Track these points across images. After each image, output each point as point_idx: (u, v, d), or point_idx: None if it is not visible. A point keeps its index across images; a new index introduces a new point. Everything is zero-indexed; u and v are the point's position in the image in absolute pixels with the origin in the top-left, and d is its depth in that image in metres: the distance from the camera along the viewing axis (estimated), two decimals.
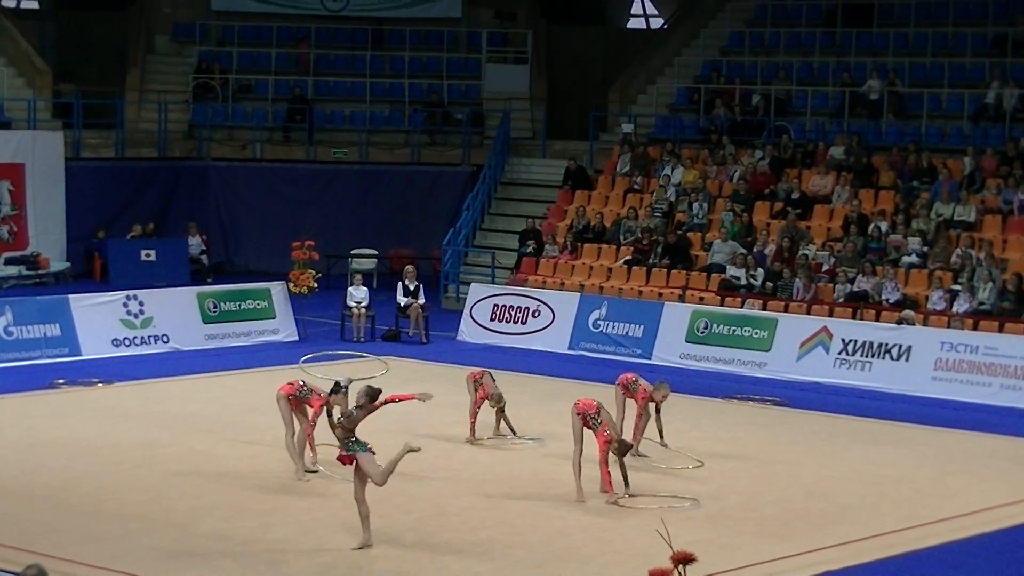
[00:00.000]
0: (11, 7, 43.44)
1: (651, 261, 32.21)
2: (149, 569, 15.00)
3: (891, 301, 28.62)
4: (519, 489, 18.56)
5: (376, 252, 38.17)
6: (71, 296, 28.06)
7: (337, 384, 18.46)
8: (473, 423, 21.13)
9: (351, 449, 16.06)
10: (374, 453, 16.14)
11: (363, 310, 30.37)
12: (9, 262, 35.78)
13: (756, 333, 27.81)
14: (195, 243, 37.60)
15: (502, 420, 21.11)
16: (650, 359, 27.73)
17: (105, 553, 15.43)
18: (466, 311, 30.99)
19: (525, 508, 17.84)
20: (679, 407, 21.18)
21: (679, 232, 32.73)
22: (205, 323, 29.05)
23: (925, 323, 27.60)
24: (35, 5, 45.68)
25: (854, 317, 28.39)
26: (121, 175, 38.36)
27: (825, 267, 30.06)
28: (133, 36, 42.46)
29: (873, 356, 26.65)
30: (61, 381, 25.00)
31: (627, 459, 18.32)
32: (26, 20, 42.69)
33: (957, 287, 28.33)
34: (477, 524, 17.17)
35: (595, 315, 29.43)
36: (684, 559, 11.02)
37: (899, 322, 27.22)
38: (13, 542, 15.70)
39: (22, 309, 26.95)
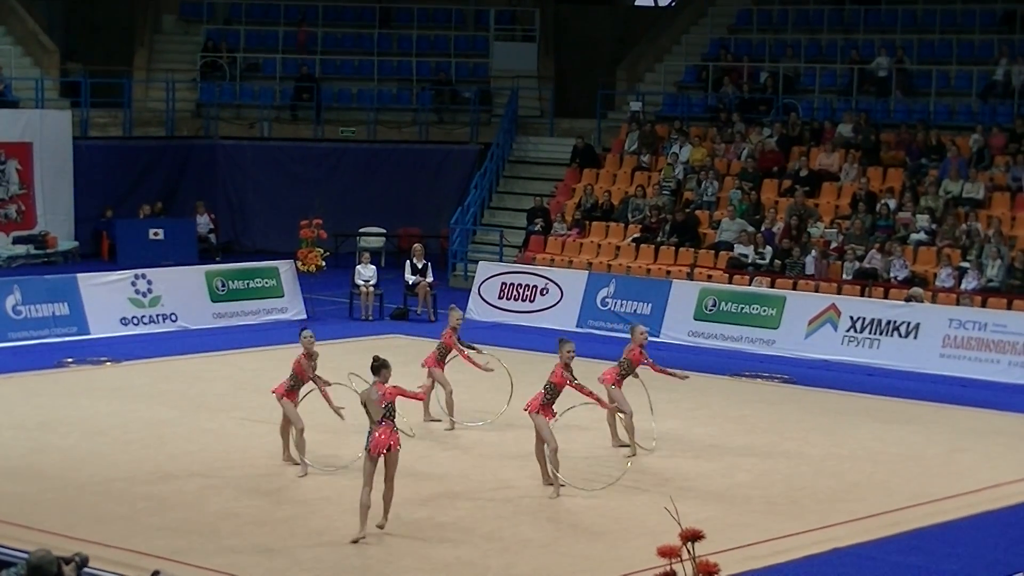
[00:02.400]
0: None
1: (659, 239, 32.18)
2: (158, 548, 15.02)
3: (899, 278, 28.59)
4: (525, 469, 18.55)
5: (384, 231, 38.15)
6: (79, 275, 28.08)
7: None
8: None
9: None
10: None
11: (371, 288, 30.37)
12: (17, 241, 35.80)
13: (764, 311, 27.80)
14: (203, 222, 37.62)
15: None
16: (658, 337, 27.71)
17: (114, 532, 15.46)
18: (474, 289, 30.99)
19: (532, 487, 17.85)
20: (687, 385, 21.15)
21: (687, 210, 32.70)
22: (213, 302, 29.07)
23: (933, 300, 27.57)
24: None
25: (862, 295, 28.38)
26: (129, 154, 38.37)
27: (833, 245, 30.02)
28: (140, 15, 42.42)
29: (881, 333, 26.63)
30: (70, 360, 25.04)
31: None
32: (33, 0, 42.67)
33: (965, 264, 28.29)
34: (485, 503, 17.19)
35: (603, 293, 29.42)
36: (693, 536, 10.98)
37: (908, 299, 27.19)
38: (22, 521, 15.74)
39: (30, 288, 26.97)
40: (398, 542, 15.58)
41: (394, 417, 15.83)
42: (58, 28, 42.79)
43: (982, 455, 20.18)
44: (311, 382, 18.59)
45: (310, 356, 18.65)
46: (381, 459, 15.61)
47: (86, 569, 10.80)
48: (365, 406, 15.89)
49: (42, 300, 26.91)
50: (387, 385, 15.88)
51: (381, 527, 15.77)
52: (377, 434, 15.63)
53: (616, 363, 19.79)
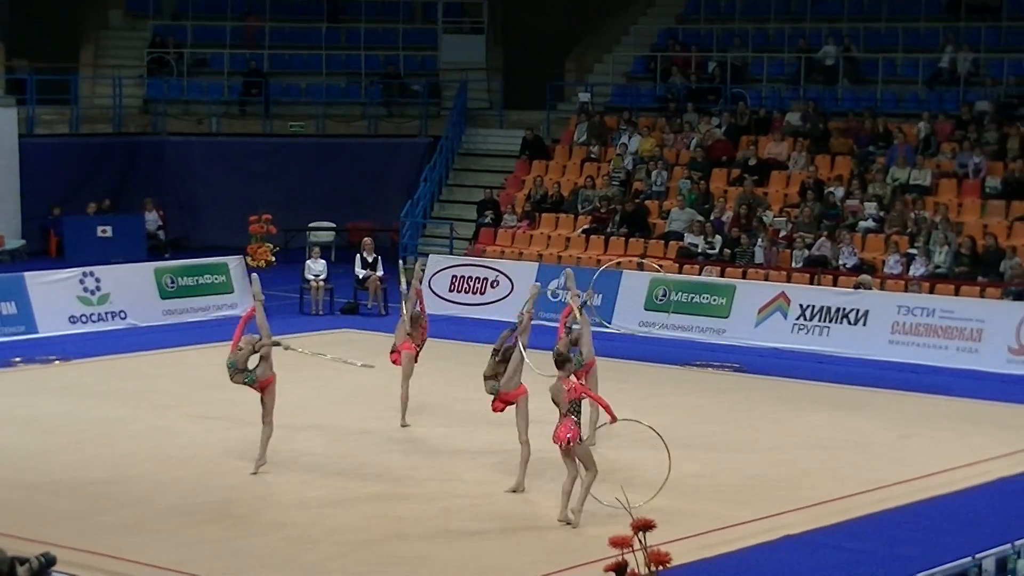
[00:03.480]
0: None
1: (609, 230, 32.23)
2: (109, 546, 14.97)
3: (848, 266, 28.73)
4: (474, 462, 18.57)
5: (334, 225, 38.05)
6: (27, 273, 27.92)
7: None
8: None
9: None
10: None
11: (321, 283, 30.32)
12: None
13: (714, 300, 27.89)
14: (152, 219, 37.43)
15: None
16: (609, 327, 27.75)
17: (65, 531, 15.38)
18: (425, 282, 30.92)
19: (485, 477, 17.86)
20: (639, 375, 21.25)
21: (637, 200, 32.74)
22: (163, 299, 28.95)
23: (882, 287, 27.72)
24: None
25: (812, 283, 28.51)
26: (76, 151, 38.12)
27: (783, 233, 30.13)
28: (86, 11, 42.16)
29: (831, 321, 26.76)
30: (18, 359, 24.89)
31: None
32: None
33: (913, 251, 28.45)
34: (437, 494, 17.19)
35: (554, 284, 29.42)
36: (644, 526, 11.03)
37: (856, 286, 27.33)
38: None
39: None
40: (349, 537, 15.57)
41: (579, 413, 15.88)
42: (2, 24, 42.47)
43: (931, 441, 20.33)
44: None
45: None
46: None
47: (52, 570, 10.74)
48: (554, 400, 16.03)
49: None
50: (572, 381, 15.99)
51: (568, 522, 15.85)
52: (559, 427, 15.78)
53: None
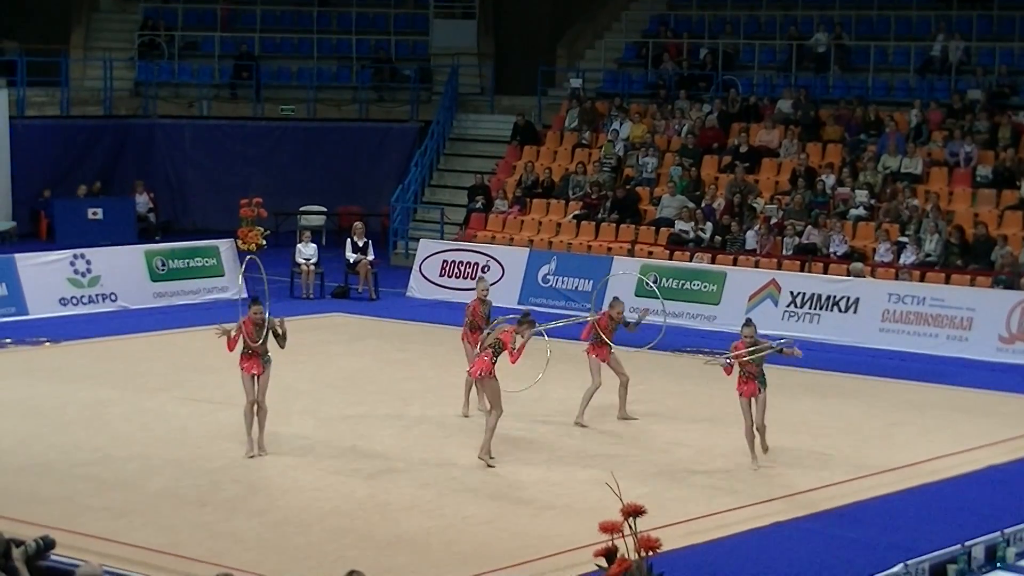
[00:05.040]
0: None
1: (600, 216, 32.23)
2: (98, 529, 14.96)
3: (839, 254, 28.75)
4: (466, 446, 18.58)
5: (325, 209, 38.05)
6: (17, 255, 27.89)
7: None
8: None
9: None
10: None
11: (312, 267, 30.32)
12: None
13: (705, 287, 27.91)
14: (142, 201, 37.37)
15: None
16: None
17: (54, 513, 15.37)
18: (415, 267, 30.98)
19: (474, 463, 17.86)
20: (630, 361, 21.18)
21: (627, 187, 32.74)
22: (153, 281, 28.95)
23: (872, 275, 27.74)
24: None
25: (802, 270, 28.53)
26: (67, 134, 38.07)
27: (773, 220, 30.15)
28: None
29: (821, 308, 26.80)
30: (8, 341, 24.86)
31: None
32: None
33: (904, 239, 28.47)
34: (428, 480, 17.20)
35: (544, 270, 29.48)
36: (634, 512, 11.01)
37: (849, 274, 27.34)
38: None
39: None
40: (341, 521, 15.57)
41: (497, 355, 17.68)
42: None
43: (920, 428, 20.36)
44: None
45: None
46: None
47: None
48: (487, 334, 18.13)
49: None
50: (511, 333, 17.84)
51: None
52: (476, 360, 17.89)
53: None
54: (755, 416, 18.00)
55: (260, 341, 17.94)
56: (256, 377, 18.00)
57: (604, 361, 20.04)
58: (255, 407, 18.01)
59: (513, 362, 17.64)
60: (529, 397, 19.50)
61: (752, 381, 17.98)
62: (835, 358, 25.03)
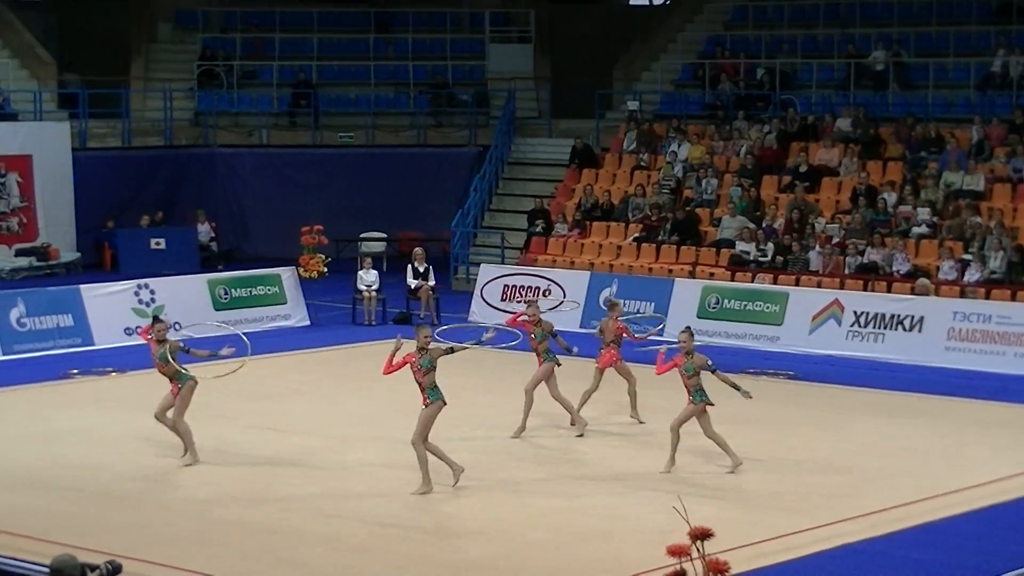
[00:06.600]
0: None
1: (660, 238, 32.20)
2: (168, 556, 15.02)
3: (902, 272, 28.61)
4: (534, 468, 18.57)
5: (385, 235, 38.17)
6: (82, 286, 28.08)
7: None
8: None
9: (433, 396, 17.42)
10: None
11: (374, 293, 30.39)
12: (20, 254, 35.80)
13: (767, 307, 27.82)
14: (204, 230, 37.62)
15: None
16: (662, 336, 27.71)
17: (125, 541, 15.44)
18: (477, 292, 31.01)
19: (541, 487, 17.86)
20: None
21: (687, 208, 32.72)
22: (216, 310, 29.06)
23: (937, 293, 27.59)
24: None
25: (865, 289, 28.38)
26: (128, 164, 38.37)
27: (835, 239, 30.03)
28: (136, 25, 42.44)
29: (885, 328, 26.65)
30: (75, 371, 25.04)
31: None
32: (28, 11, 42.66)
33: (968, 257, 28.30)
34: (495, 504, 17.20)
35: (606, 293, 29.43)
36: (702, 535, 11.01)
37: (915, 291, 27.19)
38: (33, 532, 15.73)
39: (34, 300, 27.00)
40: (409, 547, 15.58)
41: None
42: (54, 39, 42.81)
43: (988, 448, 20.19)
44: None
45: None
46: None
47: None
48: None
49: (46, 312, 26.93)
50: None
51: None
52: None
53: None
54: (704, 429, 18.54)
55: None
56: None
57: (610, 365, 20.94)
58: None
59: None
60: (587, 417, 19.47)
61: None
62: (900, 377, 24.89)
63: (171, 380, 18.89)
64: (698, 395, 18.38)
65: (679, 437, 18.49)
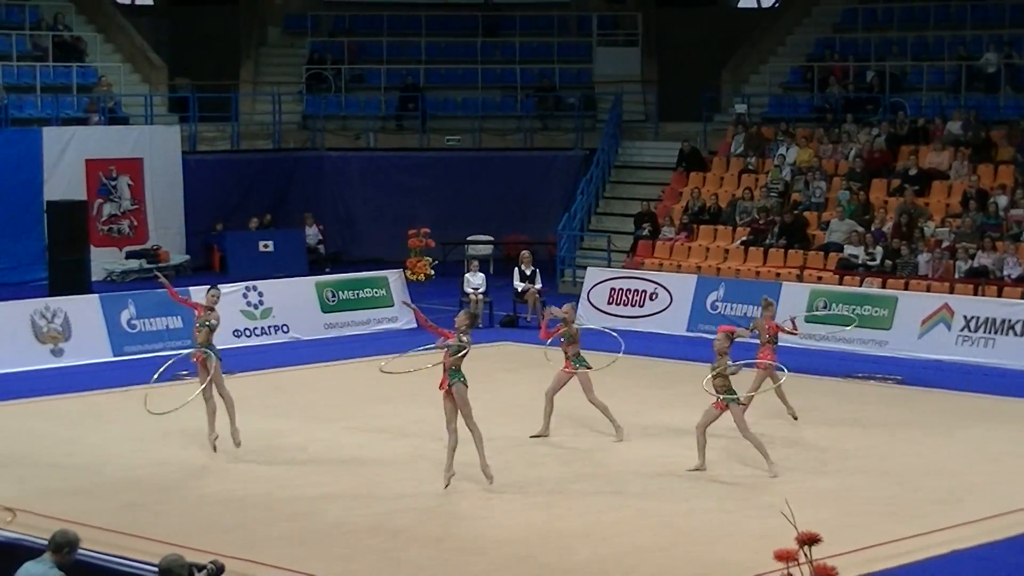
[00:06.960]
0: (126, 4, 44.03)
1: (768, 241, 32.02)
2: (274, 557, 15.14)
3: (1012, 277, 28.26)
4: (637, 473, 18.52)
5: (492, 238, 38.25)
6: (192, 288, 28.33)
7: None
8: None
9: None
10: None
11: (480, 296, 30.44)
12: (130, 256, 36.21)
13: (876, 311, 27.56)
14: (312, 233, 37.88)
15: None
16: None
17: (233, 542, 15.58)
18: (583, 295, 30.97)
19: (647, 490, 17.81)
20: (800, 386, 21.06)
21: (795, 212, 32.51)
22: (324, 312, 29.27)
23: None
24: (149, 1, 46.27)
25: (975, 294, 28.05)
26: (237, 167, 38.71)
27: (944, 244, 29.71)
28: (245, 29, 42.87)
29: (996, 332, 26.32)
30: (185, 373, 25.19)
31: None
32: (140, 17, 43.25)
33: None
34: (603, 507, 17.17)
35: (713, 296, 29.32)
36: (809, 539, 10.94)
37: None
38: (144, 532, 15.92)
39: (144, 302, 27.29)
40: (516, 549, 15.59)
41: None
42: (165, 44, 43.33)
43: None
44: None
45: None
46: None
47: None
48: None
49: (156, 314, 27.21)
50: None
51: None
52: None
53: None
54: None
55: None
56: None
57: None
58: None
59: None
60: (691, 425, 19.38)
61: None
62: (1011, 383, 24.56)
63: (198, 352, 19.70)
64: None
65: (705, 439, 18.58)
